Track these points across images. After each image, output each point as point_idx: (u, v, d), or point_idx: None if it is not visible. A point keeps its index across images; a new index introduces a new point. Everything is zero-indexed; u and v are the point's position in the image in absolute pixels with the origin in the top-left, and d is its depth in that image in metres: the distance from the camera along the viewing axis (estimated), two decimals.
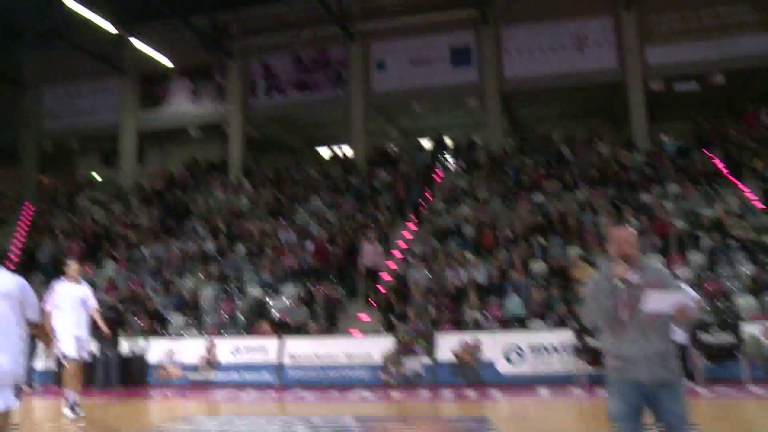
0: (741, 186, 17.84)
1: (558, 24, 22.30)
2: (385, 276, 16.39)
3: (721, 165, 19.07)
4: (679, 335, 3.61)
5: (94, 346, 12.19)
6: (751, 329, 11.50)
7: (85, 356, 10.02)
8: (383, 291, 15.74)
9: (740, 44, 21.26)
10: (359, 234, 17.70)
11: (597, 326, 4.32)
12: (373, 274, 16.33)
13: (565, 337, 12.33)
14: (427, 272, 15.82)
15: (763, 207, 16.60)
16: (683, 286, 4.12)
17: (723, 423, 8.20)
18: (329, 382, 13.09)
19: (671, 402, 3.94)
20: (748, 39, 21.23)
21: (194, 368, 14.00)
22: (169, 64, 23.92)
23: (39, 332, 4.77)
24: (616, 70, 21.98)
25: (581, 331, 11.89)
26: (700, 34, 21.64)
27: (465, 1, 21.46)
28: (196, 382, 13.85)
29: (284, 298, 16.15)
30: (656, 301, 3.89)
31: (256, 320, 15.45)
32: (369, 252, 16.40)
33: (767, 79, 21.86)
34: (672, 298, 3.94)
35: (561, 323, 13.17)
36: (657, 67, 21.72)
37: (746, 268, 14.14)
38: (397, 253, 17.43)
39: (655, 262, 4.48)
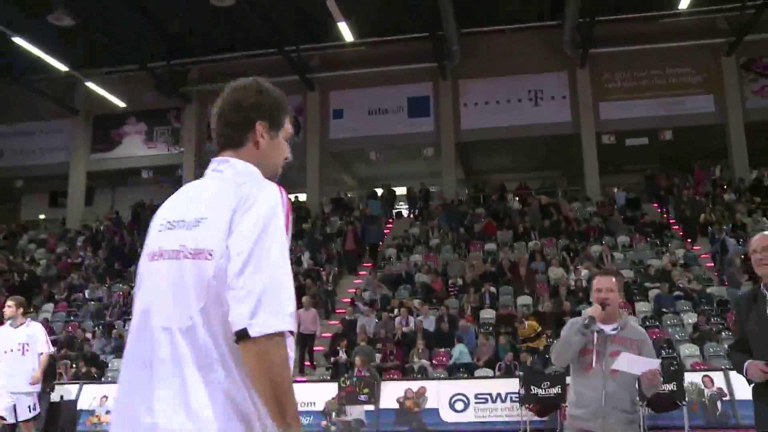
0: (687, 238, 18.12)
1: (515, 79, 22.78)
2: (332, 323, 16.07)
3: (668, 217, 19.39)
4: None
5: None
6: (692, 378, 11.48)
7: (24, 415, 7.55)
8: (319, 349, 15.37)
9: (686, 104, 22.01)
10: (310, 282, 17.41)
11: (562, 364, 4.26)
12: (305, 340, 15.68)
13: (511, 385, 12.13)
14: (375, 319, 15.58)
15: (707, 257, 16.87)
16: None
17: None
18: None
19: None
20: (693, 99, 22.04)
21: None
22: (122, 105, 23.70)
23: None
24: (570, 124, 22.42)
25: (528, 380, 11.72)
26: (650, 93, 22.35)
27: (424, 55, 21.79)
28: None
29: None
30: (627, 363, 3.85)
31: None
32: (304, 319, 15.71)
33: (711, 137, 22.48)
34: (643, 363, 3.90)
35: (508, 372, 13.00)
36: (609, 122, 22.25)
37: (690, 318, 14.23)
38: (346, 299, 17.16)
39: (635, 322, 4.45)
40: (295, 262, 19.23)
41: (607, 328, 4.02)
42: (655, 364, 3.94)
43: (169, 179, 24.74)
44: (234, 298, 1.68)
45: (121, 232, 23.02)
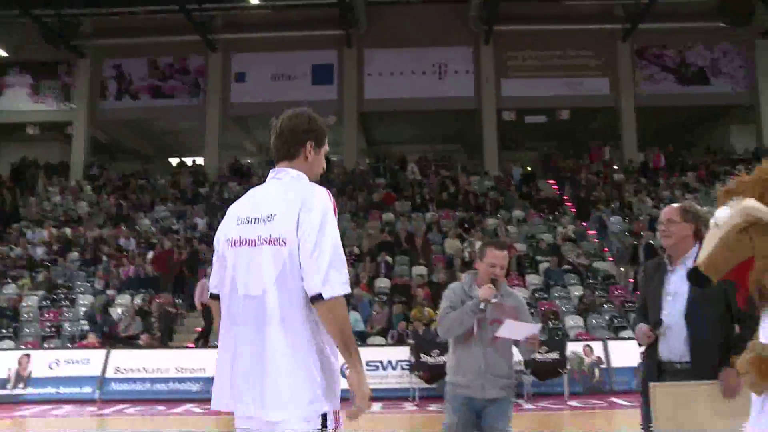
0: (579, 214, 18.78)
1: (420, 51, 22.80)
2: None
3: (562, 194, 20.03)
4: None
5: None
6: (574, 347, 11.96)
7: None
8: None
9: (584, 85, 22.69)
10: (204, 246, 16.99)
11: (448, 338, 4.29)
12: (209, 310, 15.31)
13: (402, 353, 12.27)
14: None
15: (594, 233, 17.57)
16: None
17: None
18: (157, 396, 12.28)
19: (497, 419, 4.02)
20: (591, 81, 22.75)
21: (2, 383, 12.69)
22: (3, 54, 22.19)
23: None
24: (472, 99, 22.70)
25: (418, 348, 11.88)
26: (550, 73, 22.86)
27: (330, 22, 21.47)
28: (3, 399, 12.53)
29: (117, 309, 15.15)
30: (511, 329, 3.93)
31: (84, 331, 14.36)
32: (206, 289, 15.18)
33: (605, 118, 23.33)
34: (526, 328, 4.00)
35: (400, 340, 13.13)
36: (510, 99, 22.66)
37: (576, 291, 14.81)
38: None
39: (514, 290, 4.49)
40: (190, 227, 18.77)
41: (492, 300, 4.08)
42: (536, 329, 4.06)
43: (59, 137, 23.54)
44: (308, 272, 2.41)
45: (1, 190, 21.69)
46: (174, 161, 27.27)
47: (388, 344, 13.12)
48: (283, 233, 2.46)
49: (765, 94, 22.96)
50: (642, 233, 16.51)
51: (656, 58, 23.53)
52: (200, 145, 23.53)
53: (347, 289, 2.42)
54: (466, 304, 4.05)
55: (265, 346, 2.44)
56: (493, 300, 4.02)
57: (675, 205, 3.90)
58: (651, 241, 15.25)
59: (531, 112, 22.91)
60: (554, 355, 11.52)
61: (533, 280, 15.71)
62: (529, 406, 10.62)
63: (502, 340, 4.02)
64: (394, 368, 12.19)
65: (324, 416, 2.43)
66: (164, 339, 14.37)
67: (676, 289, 3.67)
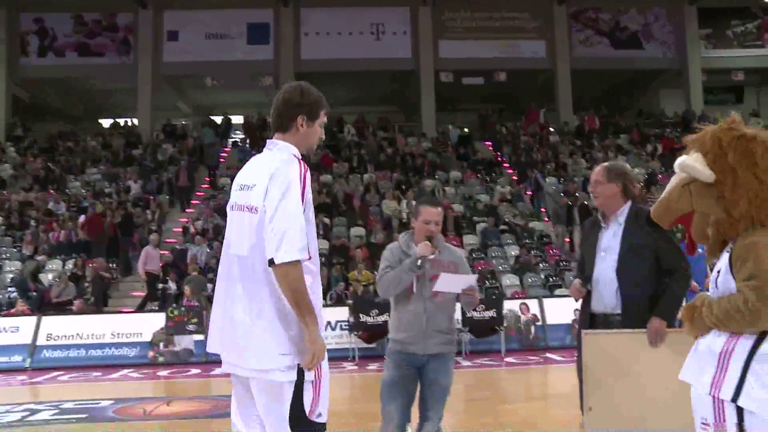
0: (516, 175, 19.05)
1: (357, 10, 22.53)
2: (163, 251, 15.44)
3: (499, 155, 20.26)
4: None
5: None
6: (511, 306, 12.20)
7: None
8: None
9: (520, 47, 22.83)
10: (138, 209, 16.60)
11: (388, 297, 4.23)
12: (154, 279, 14.91)
13: (341, 313, 12.30)
14: (207, 249, 15.15)
15: (530, 194, 17.87)
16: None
17: (481, 390, 8.66)
18: (93, 363, 12.02)
19: (438, 373, 4.02)
20: (527, 44, 22.90)
21: None
22: None
23: None
24: (410, 60, 22.60)
25: (357, 308, 11.93)
26: (488, 34, 22.89)
27: None
28: None
29: (48, 275, 14.70)
30: (448, 283, 3.92)
31: (12, 299, 13.89)
32: (153, 256, 14.85)
33: (542, 81, 23.59)
34: (462, 280, 4.00)
35: (339, 301, 13.17)
36: (448, 60, 22.63)
37: (512, 251, 15.08)
38: (177, 229, 16.55)
39: (452, 245, 4.48)
40: (124, 189, 18.27)
41: (429, 256, 4.05)
42: (472, 280, 4.06)
43: None
44: (266, 238, 2.60)
45: None
46: (106, 123, 26.40)
47: (327, 305, 13.13)
48: (255, 202, 2.68)
49: (693, 59, 23.57)
50: (576, 194, 16.87)
51: (591, 22, 23.83)
52: (133, 105, 22.80)
53: (300, 256, 2.55)
54: (404, 262, 4.02)
55: (236, 301, 2.72)
56: (431, 256, 4.00)
57: (600, 165, 4.01)
58: (585, 202, 15.60)
59: (468, 74, 22.94)
60: (491, 314, 11.73)
61: (470, 240, 15.91)
62: (467, 363, 10.80)
63: (442, 295, 4.02)
64: (333, 329, 12.22)
65: (300, 368, 2.62)
66: (99, 304, 14.04)
67: (608, 245, 3.82)
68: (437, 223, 4.08)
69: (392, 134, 21.48)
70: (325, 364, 2.67)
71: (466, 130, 22.24)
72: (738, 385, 2.20)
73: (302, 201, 2.62)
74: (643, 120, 23.75)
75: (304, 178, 2.66)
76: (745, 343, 2.23)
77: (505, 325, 11.76)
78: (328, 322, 12.19)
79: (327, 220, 16.13)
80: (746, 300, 2.19)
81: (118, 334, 12.43)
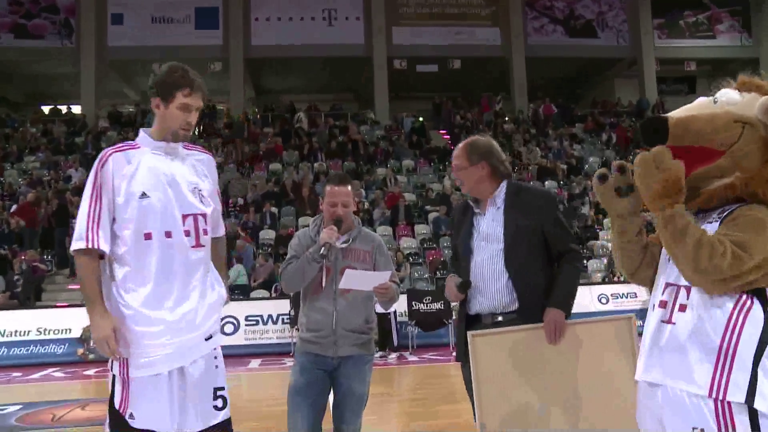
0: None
1: None
2: None
3: (452, 143, 19.92)
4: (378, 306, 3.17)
5: None
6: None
7: None
8: None
9: (475, 35, 22.55)
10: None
11: (293, 291, 3.72)
12: None
13: (284, 307, 11.83)
14: None
15: None
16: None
17: (427, 388, 8.23)
18: (14, 363, 11.31)
19: (352, 380, 3.44)
20: (482, 31, 22.63)
21: None
22: None
23: None
24: (362, 46, 22.14)
25: (298, 301, 11.48)
26: (442, 21, 22.55)
27: None
28: None
29: None
30: (353, 280, 3.32)
31: None
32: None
33: (497, 68, 23.34)
34: (371, 277, 3.38)
35: (283, 294, 12.69)
36: (401, 47, 22.24)
37: None
38: None
39: (369, 231, 3.80)
40: (63, 178, 17.54)
41: (338, 242, 3.45)
42: (384, 277, 3.43)
43: None
44: None
45: None
46: (47, 109, 25.39)
47: (271, 297, 12.66)
48: None
49: (647, 48, 23.57)
50: (531, 182, 16.62)
51: (546, 10, 23.66)
52: (75, 90, 21.92)
53: (75, 245, 2.57)
54: (308, 252, 3.43)
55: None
56: (340, 244, 3.44)
57: (459, 146, 3.28)
58: None
59: (422, 61, 22.57)
60: (439, 306, 11.38)
61: (422, 229, 15.58)
62: (414, 358, 10.48)
63: (353, 291, 3.44)
64: (275, 322, 11.78)
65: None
66: (30, 298, 13.34)
67: (489, 232, 3.17)
68: (345, 205, 3.46)
69: (345, 122, 21.01)
70: (144, 369, 2.58)
71: (420, 119, 21.87)
72: (750, 384, 1.82)
73: (92, 189, 2.58)
74: (598, 109, 23.68)
75: (102, 165, 2.59)
76: (750, 336, 1.85)
77: (453, 317, 11.42)
78: (270, 316, 11.76)
79: (274, 210, 15.63)
80: (725, 252, 1.80)
81: (45, 330, 11.75)
